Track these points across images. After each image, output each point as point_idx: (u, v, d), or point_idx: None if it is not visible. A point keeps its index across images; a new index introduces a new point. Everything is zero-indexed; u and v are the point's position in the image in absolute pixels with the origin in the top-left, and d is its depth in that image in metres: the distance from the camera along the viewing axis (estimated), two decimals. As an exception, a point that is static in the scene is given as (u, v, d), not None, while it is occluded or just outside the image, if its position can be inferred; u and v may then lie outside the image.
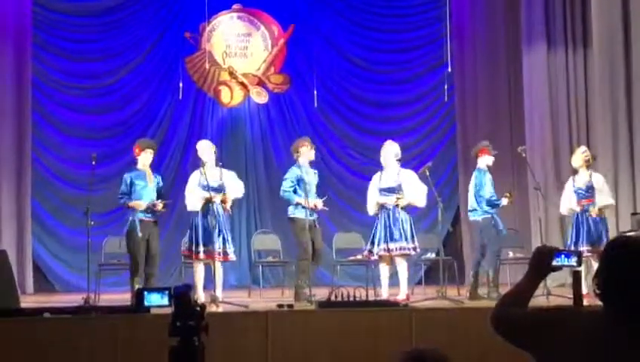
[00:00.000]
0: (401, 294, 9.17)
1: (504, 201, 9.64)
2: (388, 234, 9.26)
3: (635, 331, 2.46)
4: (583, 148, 10.29)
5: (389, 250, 9.25)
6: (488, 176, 9.65)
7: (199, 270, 9.20)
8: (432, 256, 11.07)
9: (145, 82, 13.03)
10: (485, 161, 9.73)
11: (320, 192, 9.77)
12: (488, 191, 9.55)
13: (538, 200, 10.64)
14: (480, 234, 9.70)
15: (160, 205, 9.27)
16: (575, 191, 9.76)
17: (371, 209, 9.58)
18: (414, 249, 9.41)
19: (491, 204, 9.54)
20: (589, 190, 9.70)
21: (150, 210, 9.23)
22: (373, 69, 13.71)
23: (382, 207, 9.40)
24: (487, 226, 9.52)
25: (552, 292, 8.75)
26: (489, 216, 9.53)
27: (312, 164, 9.76)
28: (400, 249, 9.27)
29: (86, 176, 10.62)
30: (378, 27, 13.76)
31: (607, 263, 2.58)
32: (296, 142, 9.86)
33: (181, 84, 12.39)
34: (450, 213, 12.91)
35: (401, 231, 9.27)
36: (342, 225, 12.44)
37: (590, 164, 9.91)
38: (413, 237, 9.35)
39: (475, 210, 9.63)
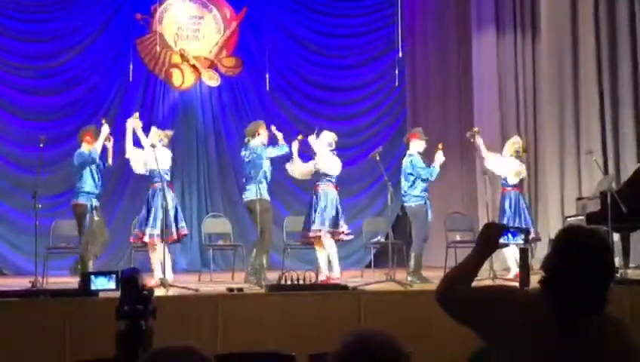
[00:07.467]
0: (336, 273, 9.32)
1: (439, 156, 9.52)
2: (331, 217, 9.40)
3: (572, 319, 2.53)
4: (516, 137, 10.31)
5: (334, 233, 9.41)
6: (417, 157, 9.57)
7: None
8: (381, 239, 11.15)
9: (95, 64, 12.85)
10: (416, 146, 9.60)
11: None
12: (418, 168, 9.47)
13: (486, 184, 10.74)
14: (411, 218, 9.60)
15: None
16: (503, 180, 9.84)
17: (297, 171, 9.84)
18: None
19: (429, 173, 9.43)
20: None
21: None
22: (325, 53, 13.73)
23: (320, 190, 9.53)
24: (420, 212, 9.45)
25: (498, 276, 8.86)
26: (422, 202, 9.48)
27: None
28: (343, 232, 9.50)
29: (34, 158, 10.48)
30: (330, 11, 13.77)
31: (556, 252, 2.62)
32: (254, 124, 9.83)
33: (131, 67, 12.27)
34: (399, 198, 12.94)
35: (340, 215, 9.49)
36: (292, 209, 12.46)
37: (520, 156, 9.96)
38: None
39: (408, 195, 9.52)
